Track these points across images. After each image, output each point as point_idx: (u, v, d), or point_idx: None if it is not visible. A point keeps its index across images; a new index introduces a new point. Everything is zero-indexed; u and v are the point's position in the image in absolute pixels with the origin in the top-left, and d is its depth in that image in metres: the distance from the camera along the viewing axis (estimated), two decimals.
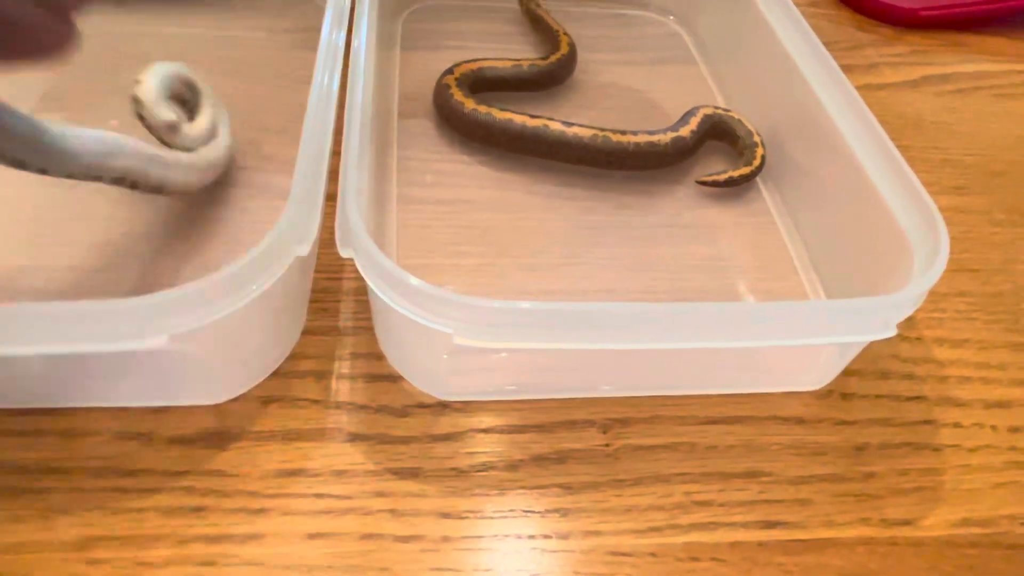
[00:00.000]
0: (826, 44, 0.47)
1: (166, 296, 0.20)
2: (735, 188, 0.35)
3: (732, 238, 0.34)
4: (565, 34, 0.41)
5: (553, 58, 0.39)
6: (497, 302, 0.21)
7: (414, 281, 0.21)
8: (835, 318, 0.23)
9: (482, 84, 0.37)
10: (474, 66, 0.37)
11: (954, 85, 0.46)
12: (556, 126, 0.33)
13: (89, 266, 0.28)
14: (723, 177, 0.35)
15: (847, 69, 0.45)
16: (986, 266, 0.35)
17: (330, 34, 0.31)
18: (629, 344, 0.22)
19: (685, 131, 0.34)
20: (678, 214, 0.34)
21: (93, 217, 0.30)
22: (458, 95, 0.35)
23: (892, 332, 0.23)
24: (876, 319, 0.23)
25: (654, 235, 0.33)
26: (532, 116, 0.34)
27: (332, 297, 0.29)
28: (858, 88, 0.44)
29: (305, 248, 0.23)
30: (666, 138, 0.34)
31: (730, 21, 0.42)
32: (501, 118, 0.34)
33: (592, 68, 0.42)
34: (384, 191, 0.33)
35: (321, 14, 0.42)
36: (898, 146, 0.40)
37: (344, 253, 0.23)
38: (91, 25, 0.23)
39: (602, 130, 0.33)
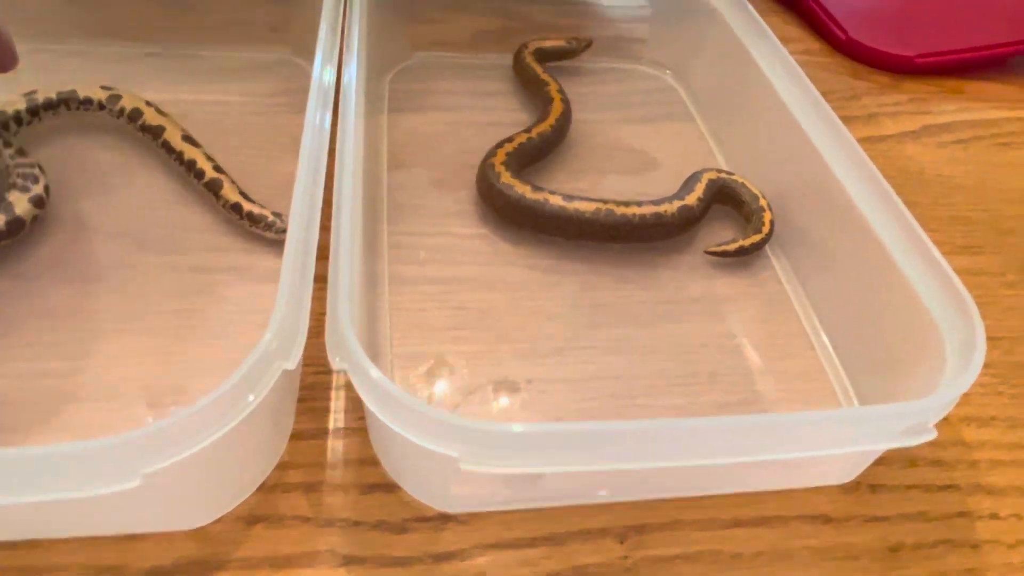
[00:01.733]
0: (823, 94, 0.46)
1: (137, 435, 0.18)
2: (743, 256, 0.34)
3: (741, 311, 0.32)
4: (558, 90, 0.39)
5: (552, 119, 0.37)
6: (505, 426, 0.19)
7: (417, 405, 0.19)
8: (871, 427, 0.21)
9: (525, 160, 0.36)
10: (513, 146, 0.35)
11: (955, 135, 0.45)
12: (556, 201, 0.32)
13: (54, 370, 0.26)
14: (733, 247, 0.33)
15: (846, 120, 0.44)
16: (1007, 333, 0.33)
17: (316, 104, 0.30)
18: (648, 463, 0.20)
19: (691, 199, 0.33)
20: (683, 287, 0.33)
21: (56, 312, 0.27)
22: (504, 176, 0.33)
23: (933, 435, 0.21)
24: (915, 423, 0.21)
25: (659, 312, 0.31)
26: (534, 187, 0.32)
27: (321, 394, 0.27)
28: (860, 141, 0.43)
29: (292, 362, 0.21)
30: (672, 208, 0.32)
31: (726, 75, 0.41)
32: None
33: (587, 127, 0.40)
34: (375, 271, 0.31)
35: (305, 75, 0.41)
36: (905, 202, 0.39)
37: (337, 366, 0.21)
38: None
39: (604, 202, 0.32)
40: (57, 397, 0.25)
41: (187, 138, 0.33)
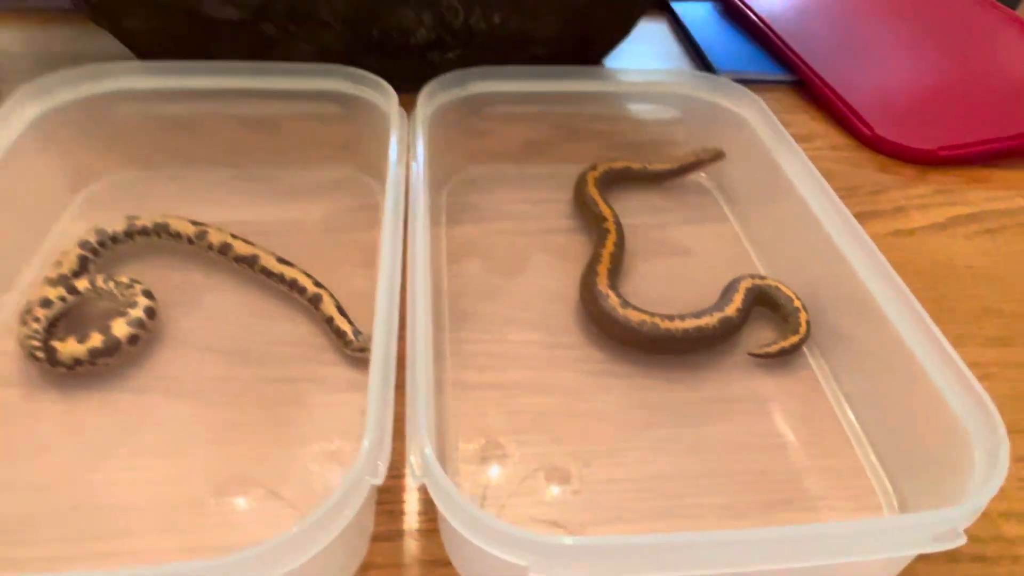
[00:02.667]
0: (850, 188, 0.49)
1: (247, 555, 0.20)
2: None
3: (782, 410, 0.34)
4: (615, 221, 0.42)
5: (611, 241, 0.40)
6: (575, 540, 0.21)
7: (490, 520, 0.22)
8: (903, 535, 0.23)
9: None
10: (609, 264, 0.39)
11: (982, 225, 0.47)
12: (614, 303, 0.35)
13: (162, 477, 0.29)
14: (775, 349, 0.35)
15: (874, 215, 0.47)
16: None
17: (390, 224, 0.33)
18: (705, 571, 0.22)
19: (731, 310, 0.35)
20: (726, 386, 0.35)
21: (164, 423, 0.31)
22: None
23: (962, 541, 0.23)
24: (946, 530, 0.23)
25: (705, 412, 0.34)
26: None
27: (396, 496, 0.30)
28: (888, 235, 0.45)
29: (380, 478, 0.24)
30: (713, 320, 0.35)
31: (755, 179, 0.44)
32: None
33: (628, 230, 0.43)
34: (440, 378, 0.34)
35: (371, 191, 0.45)
36: (934, 296, 0.41)
37: (417, 481, 0.24)
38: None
39: (651, 315, 0.35)
40: (167, 502, 0.28)
41: (281, 260, 0.37)
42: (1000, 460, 0.24)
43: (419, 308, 0.29)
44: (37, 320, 0.32)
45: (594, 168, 0.46)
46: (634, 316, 0.35)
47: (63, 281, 0.34)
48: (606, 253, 0.39)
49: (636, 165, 0.47)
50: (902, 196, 0.49)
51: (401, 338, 0.28)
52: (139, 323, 0.33)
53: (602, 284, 0.37)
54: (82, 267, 0.36)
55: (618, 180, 0.47)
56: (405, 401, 0.26)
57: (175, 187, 0.44)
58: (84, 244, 0.36)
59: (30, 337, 0.32)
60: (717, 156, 0.45)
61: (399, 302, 0.30)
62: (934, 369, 0.29)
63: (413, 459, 0.24)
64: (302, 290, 0.36)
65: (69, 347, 0.31)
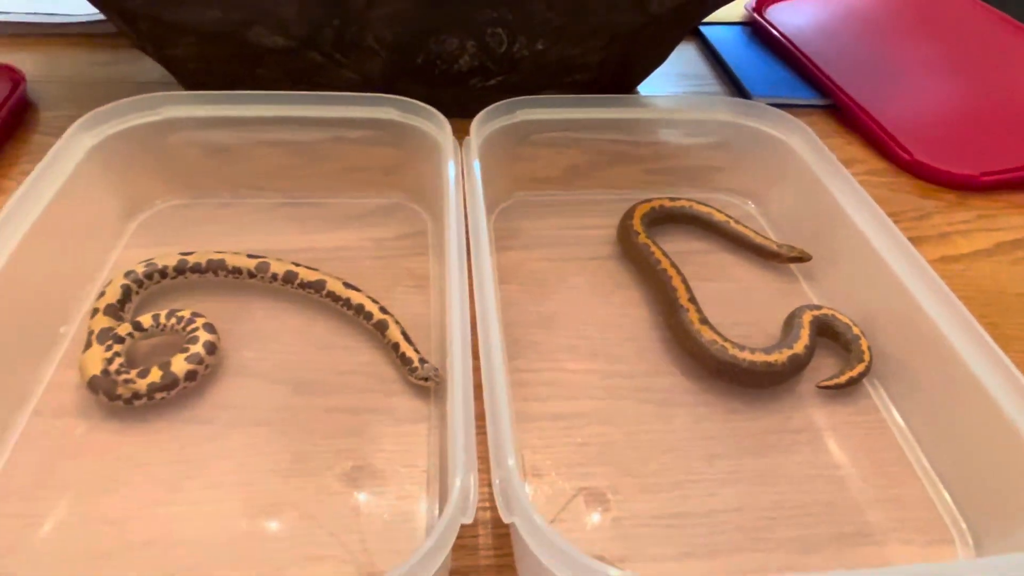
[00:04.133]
0: (893, 214, 0.49)
1: None
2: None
3: (844, 441, 0.34)
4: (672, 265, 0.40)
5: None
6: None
7: (580, 556, 0.22)
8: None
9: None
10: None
11: None
12: (693, 316, 0.37)
13: (232, 510, 0.29)
14: (844, 379, 0.35)
15: (919, 241, 0.47)
16: None
17: (455, 254, 0.33)
18: None
19: (799, 347, 0.35)
20: (788, 418, 0.35)
21: (232, 454, 0.31)
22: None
23: None
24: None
25: (768, 443, 0.34)
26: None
27: (471, 531, 0.30)
28: (934, 262, 0.45)
29: (470, 518, 0.24)
30: (783, 357, 0.34)
31: (803, 204, 0.44)
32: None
33: (678, 258, 0.43)
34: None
35: (419, 218, 0.45)
36: (985, 324, 0.41)
37: (508, 520, 0.24)
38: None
39: (723, 339, 0.35)
40: (237, 535, 0.29)
41: (348, 284, 0.37)
42: None
43: (492, 336, 0.30)
44: (120, 356, 0.32)
45: (647, 204, 0.45)
46: (706, 334, 0.35)
47: (111, 312, 0.35)
48: (677, 278, 0.39)
49: (699, 208, 0.46)
50: (946, 222, 0.49)
51: (475, 369, 0.29)
52: (198, 359, 0.33)
53: (683, 298, 0.37)
54: (126, 297, 0.36)
55: (672, 220, 0.46)
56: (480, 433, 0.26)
57: (226, 214, 0.44)
58: (129, 274, 0.36)
59: (128, 381, 0.32)
60: (801, 257, 0.42)
61: (470, 336, 0.30)
62: (1004, 397, 0.29)
63: (500, 500, 0.24)
64: (368, 316, 0.36)
65: (130, 382, 0.32)
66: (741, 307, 0.41)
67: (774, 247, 0.43)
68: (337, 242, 0.43)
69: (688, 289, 0.38)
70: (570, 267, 0.43)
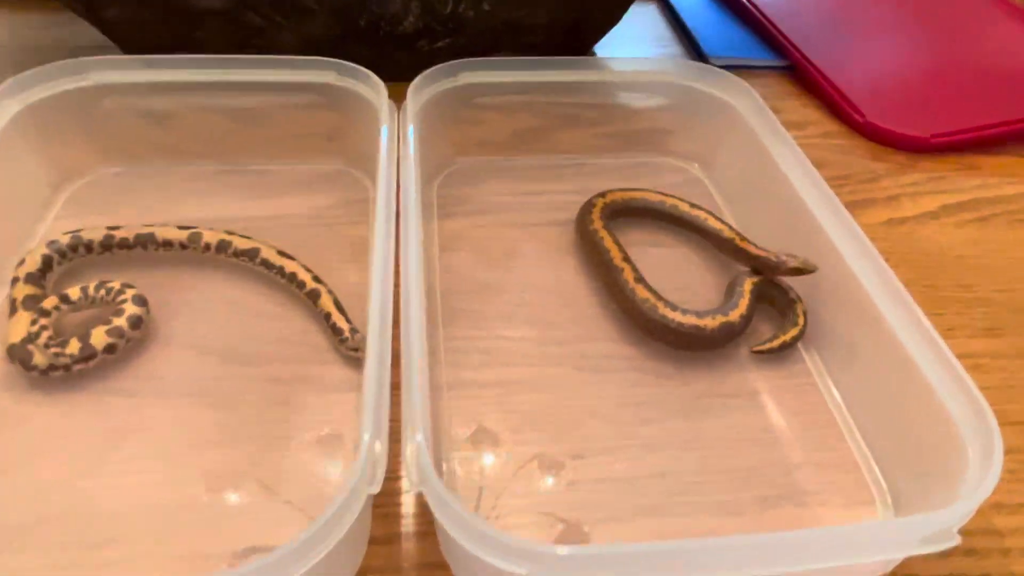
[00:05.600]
0: (843, 177, 0.49)
1: (252, 567, 0.20)
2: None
3: (776, 405, 0.34)
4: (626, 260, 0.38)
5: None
6: (572, 549, 0.21)
7: (490, 530, 0.22)
8: (896, 536, 0.23)
9: None
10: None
11: (974, 213, 0.47)
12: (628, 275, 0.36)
13: (153, 481, 0.29)
14: (777, 343, 0.35)
15: (868, 204, 0.47)
16: None
17: (382, 221, 0.33)
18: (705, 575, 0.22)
19: (735, 315, 0.35)
20: (720, 382, 0.35)
21: (154, 426, 0.31)
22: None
23: (956, 541, 0.23)
24: (939, 531, 0.23)
25: (698, 407, 0.34)
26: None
27: (393, 500, 0.30)
28: (881, 224, 0.45)
29: (377, 486, 0.24)
30: (715, 323, 0.34)
31: (747, 169, 0.44)
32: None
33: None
34: (435, 376, 0.34)
35: (360, 186, 0.44)
36: (925, 286, 0.41)
37: (415, 488, 0.24)
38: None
39: (657, 297, 0.35)
40: (161, 506, 0.28)
41: (281, 253, 0.37)
42: (994, 463, 0.25)
43: (413, 306, 0.29)
44: (47, 329, 0.32)
45: (604, 197, 0.42)
46: (640, 292, 0.35)
47: (32, 281, 0.34)
48: (612, 242, 0.39)
49: (687, 209, 0.41)
50: (894, 184, 0.49)
51: (395, 337, 0.28)
52: (119, 332, 0.32)
53: (617, 258, 0.37)
54: (46, 266, 0.35)
55: (643, 215, 0.43)
56: (400, 402, 0.26)
57: (160, 182, 0.43)
58: (52, 243, 0.35)
59: (47, 352, 0.31)
60: (802, 269, 0.36)
61: (392, 300, 0.30)
62: (926, 364, 0.29)
63: (410, 467, 0.24)
64: (301, 284, 0.36)
65: (45, 352, 0.31)
66: (684, 271, 0.41)
67: (772, 258, 0.37)
68: (277, 210, 0.42)
69: (622, 249, 0.38)
70: (514, 233, 0.42)
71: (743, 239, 0.39)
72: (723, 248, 0.40)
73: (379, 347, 0.27)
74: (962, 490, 0.25)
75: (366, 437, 0.24)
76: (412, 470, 0.24)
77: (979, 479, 0.25)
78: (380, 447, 0.24)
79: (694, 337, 0.34)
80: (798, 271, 0.36)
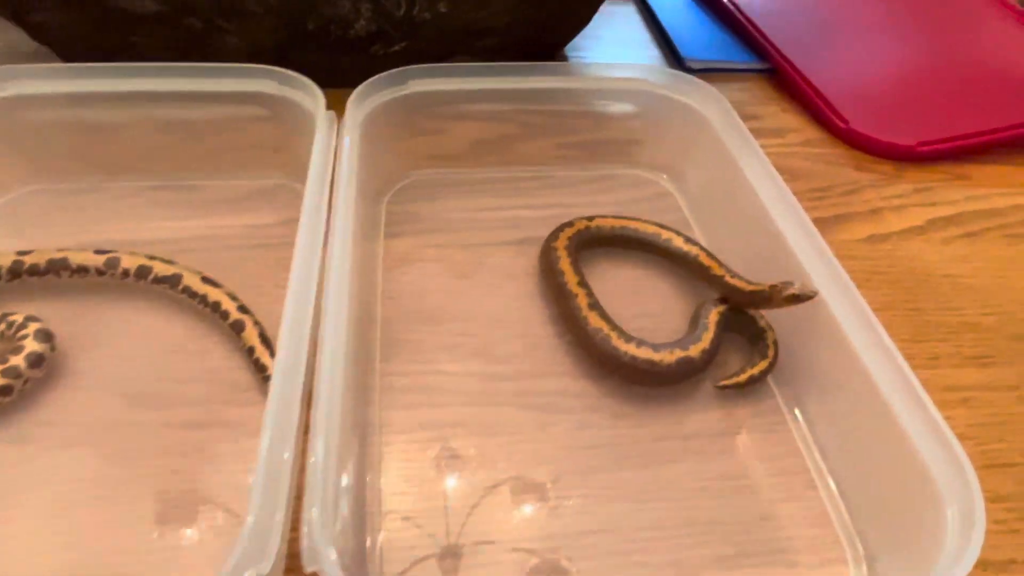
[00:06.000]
0: (823, 189, 0.46)
1: None
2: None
3: (741, 448, 0.31)
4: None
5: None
6: None
7: None
8: None
9: None
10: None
11: (962, 228, 0.44)
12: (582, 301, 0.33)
13: (47, 545, 0.26)
14: (744, 377, 0.32)
15: (849, 218, 0.44)
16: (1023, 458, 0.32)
17: (306, 241, 0.30)
18: None
19: (695, 350, 0.31)
20: (679, 423, 0.32)
21: (50, 479, 0.28)
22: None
23: None
24: None
25: (655, 452, 0.31)
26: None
27: None
28: (862, 241, 0.42)
29: (266, 566, 0.20)
30: (671, 357, 0.31)
31: (716, 181, 0.41)
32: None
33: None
34: (367, 417, 0.31)
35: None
36: (910, 309, 0.38)
37: (309, 568, 0.21)
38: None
39: (611, 327, 0.32)
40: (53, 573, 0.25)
41: (206, 279, 0.34)
42: (972, 539, 0.22)
43: (328, 344, 0.26)
44: None
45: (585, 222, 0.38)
46: (593, 321, 0.32)
47: None
48: (568, 264, 0.36)
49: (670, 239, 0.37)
50: (878, 197, 0.46)
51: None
52: (15, 373, 0.29)
53: (572, 283, 0.34)
54: None
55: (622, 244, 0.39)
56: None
57: (86, 201, 0.40)
58: None
59: None
60: (800, 296, 0.31)
61: (308, 339, 0.27)
62: (901, 407, 0.26)
63: (304, 543, 0.21)
64: (224, 315, 0.33)
65: None
66: (650, 297, 0.38)
67: (766, 291, 0.32)
68: (211, 230, 0.39)
69: (579, 273, 0.35)
70: (466, 255, 0.39)
71: (734, 275, 0.34)
72: (712, 284, 0.35)
73: (283, 390, 0.24)
74: (941, 558, 0.22)
75: (256, 506, 0.21)
76: (306, 545, 0.21)
77: (957, 553, 0.21)
78: (280, 517, 0.21)
79: (648, 373, 0.31)
80: (796, 299, 0.31)
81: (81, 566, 0.26)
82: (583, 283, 0.34)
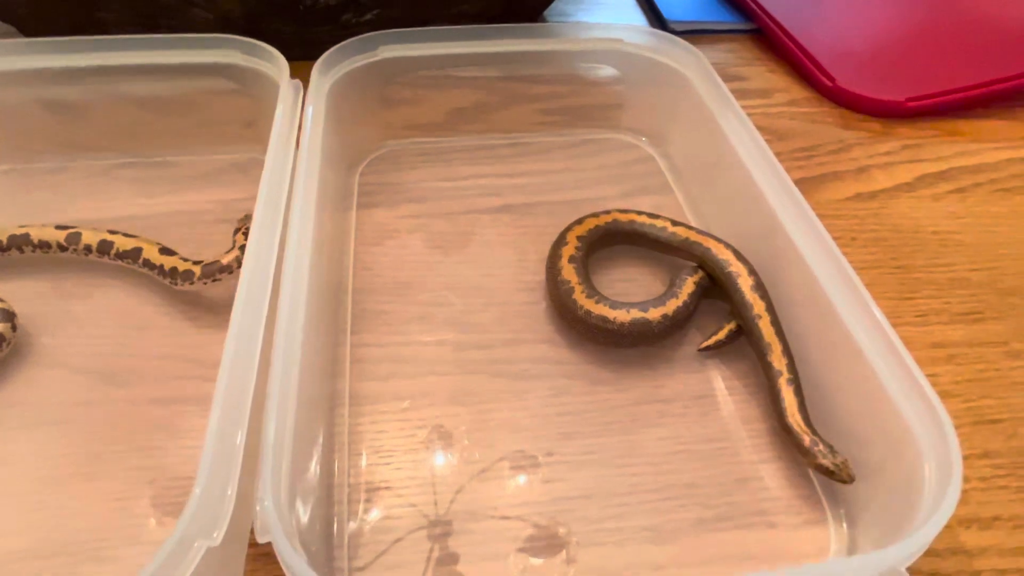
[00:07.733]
0: (810, 148, 0.45)
1: None
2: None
3: (721, 411, 0.30)
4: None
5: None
6: None
7: None
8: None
9: None
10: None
11: (952, 184, 0.43)
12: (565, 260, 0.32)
13: (9, 528, 0.26)
14: (723, 334, 0.32)
15: (835, 177, 0.43)
16: (1011, 414, 0.31)
17: (266, 212, 0.29)
18: None
19: (655, 313, 0.31)
20: (659, 386, 0.31)
21: (12, 460, 0.27)
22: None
23: None
24: (887, 570, 0.20)
25: (634, 416, 0.30)
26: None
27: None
28: (849, 199, 0.41)
29: (217, 539, 0.20)
30: (627, 316, 0.30)
31: (697, 144, 0.40)
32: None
33: (568, 206, 0.39)
34: (336, 390, 0.30)
35: None
36: (899, 266, 0.37)
37: (262, 539, 0.20)
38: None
39: (579, 282, 0.31)
40: (10, 557, 0.25)
41: (164, 250, 0.33)
42: (950, 492, 0.21)
43: (286, 314, 0.25)
44: None
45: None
46: (565, 273, 0.32)
47: None
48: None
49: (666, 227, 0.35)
50: (866, 155, 0.45)
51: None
52: None
53: (567, 256, 0.33)
54: None
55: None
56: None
57: (59, 179, 0.40)
58: None
59: None
60: (835, 472, 0.26)
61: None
62: (884, 368, 0.25)
63: (257, 511, 0.20)
64: (186, 276, 0.32)
65: None
66: (633, 256, 0.37)
67: (806, 442, 0.27)
68: (183, 205, 0.39)
69: (583, 249, 0.34)
70: (443, 224, 0.38)
71: (795, 414, 0.28)
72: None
73: (233, 364, 0.23)
74: (917, 514, 0.22)
75: (204, 476, 0.20)
76: (258, 516, 0.20)
77: (932, 506, 0.21)
78: (229, 487, 0.21)
79: (601, 330, 0.30)
80: (828, 473, 0.26)
81: (49, 543, 0.25)
82: (577, 257, 0.33)
